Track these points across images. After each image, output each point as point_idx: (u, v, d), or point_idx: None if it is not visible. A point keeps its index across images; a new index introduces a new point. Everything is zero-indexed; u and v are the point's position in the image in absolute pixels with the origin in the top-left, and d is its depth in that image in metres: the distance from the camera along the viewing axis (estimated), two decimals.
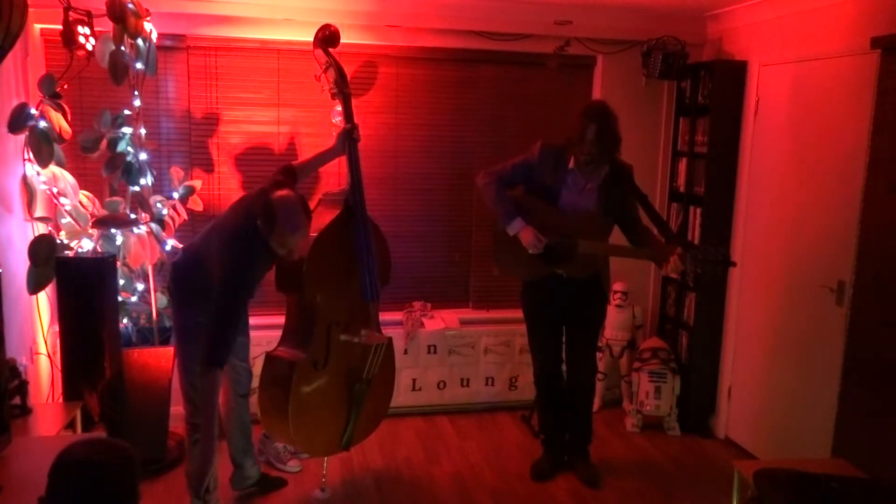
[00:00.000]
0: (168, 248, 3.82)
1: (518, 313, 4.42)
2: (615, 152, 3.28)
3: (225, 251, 2.84)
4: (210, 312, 2.77)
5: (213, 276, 2.84)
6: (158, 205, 3.77)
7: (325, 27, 3.41)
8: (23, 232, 3.54)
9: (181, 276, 3.08)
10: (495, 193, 3.42)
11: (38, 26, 3.75)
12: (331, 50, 3.44)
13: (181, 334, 3.10)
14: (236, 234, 2.87)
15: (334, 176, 4.23)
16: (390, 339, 3.48)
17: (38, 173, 3.46)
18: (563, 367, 3.78)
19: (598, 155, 3.22)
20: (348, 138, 3.31)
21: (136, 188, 3.61)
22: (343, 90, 3.38)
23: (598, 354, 4.10)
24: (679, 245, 3.21)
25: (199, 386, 2.89)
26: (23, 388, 3.01)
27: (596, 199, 3.37)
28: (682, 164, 4.46)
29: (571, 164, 3.35)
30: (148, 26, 3.58)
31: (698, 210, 4.29)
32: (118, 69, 3.44)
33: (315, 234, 3.15)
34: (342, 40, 3.98)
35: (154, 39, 3.69)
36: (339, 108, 3.93)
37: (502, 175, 3.45)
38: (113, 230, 3.57)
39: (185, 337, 3.07)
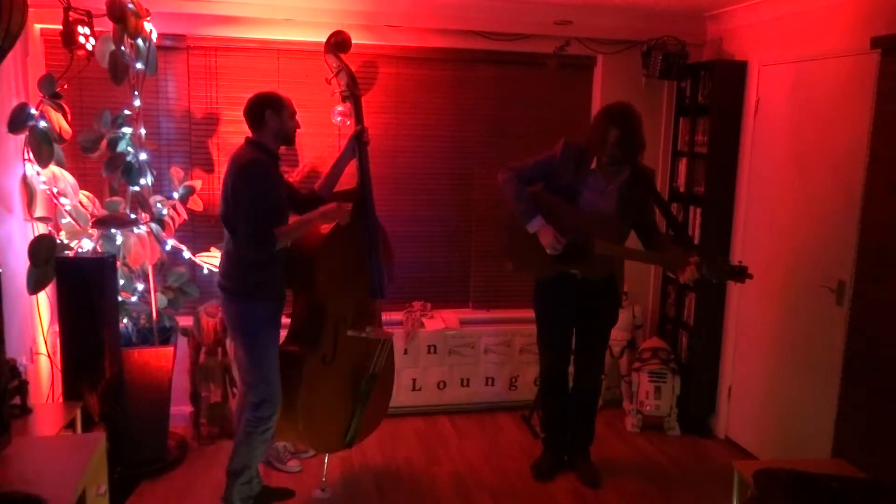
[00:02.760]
0: (168, 248, 3.82)
1: (518, 313, 4.44)
2: (638, 155, 3.26)
3: (242, 176, 2.96)
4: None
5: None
6: (158, 205, 3.77)
7: (338, 33, 3.50)
8: (23, 232, 3.54)
9: (237, 273, 3.08)
10: (515, 190, 3.40)
11: (38, 26, 3.75)
12: (342, 55, 3.50)
13: (251, 325, 3.09)
14: (248, 161, 2.98)
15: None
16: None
17: (38, 173, 3.46)
18: (569, 368, 3.77)
19: (621, 158, 3.20)
20: (358, 140, 3.34)
21: (136, 188, 3.61)
22: (354, 92, 3.43)
23: None
24: (696, 253, 3.18)
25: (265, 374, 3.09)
26: (23, 388, 3.00)
27: (615, 200, 3.35)
28: (682, 164, 4.46)
29: (593, 165, 3.33)
30: (148, 26, 3.58)
31: (698, 210, 4.29)
32: (118, 69, 3.44)
33: (325, 234, 3.20)
34: None
35: (154, 39, 3.69)
36: (340, 108, 3.96)
37: (523, 172, 3.43)
38: (113, 230, 3.57)
39: (252, 331, 3.09)
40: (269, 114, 3.03)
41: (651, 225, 3.44)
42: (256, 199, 2.94)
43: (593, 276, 3.42)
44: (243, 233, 2.96)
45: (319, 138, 4.20)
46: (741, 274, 3.08)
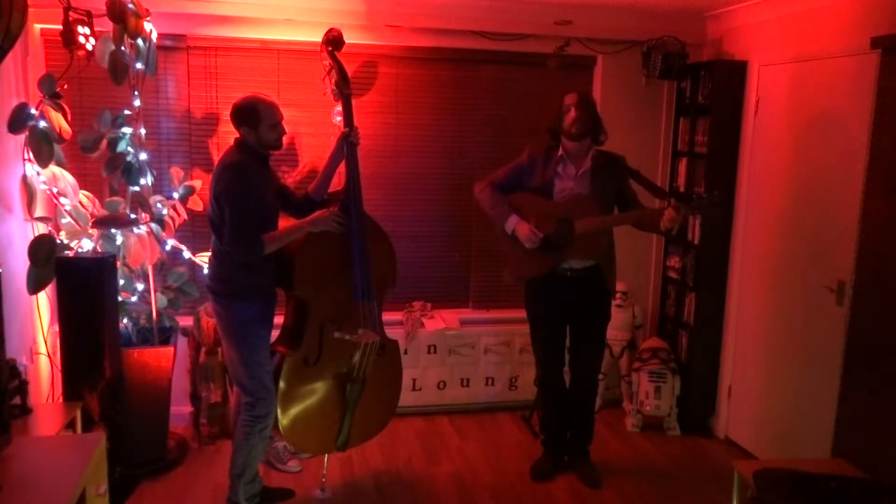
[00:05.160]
0: (168, 248, 3.82)
1: (518, 313, 4.41)
2: (593, 115, 3.40)
3: (225, 178, 2.95)
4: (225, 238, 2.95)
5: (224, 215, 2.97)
6: (158, 205, 3.77)
7: (330, 30, 3.48)
8: (23, 232, 3.54)
9: (224, 274, 3.07)
10: (489, 198, 3.55)
11: (38, 26, 3.75)
12: (336, 53, 3.48)
13: (241, 326, 3.08)
14: (231, 164, 2.98)
15: (340, 176, 4.23)
16: (390, 341, 3.47)
17: (38, 173, 3.46)
18: (566, 368, 3.77)
19: (583, 119, 3.34)
20: (345, 141, 3.32)
21: (136, 188, 3.61)
22: (343, 91, 3.40)
23: None
24: (672, 199, 3.26)
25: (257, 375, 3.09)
26: (23, 388, 3.01)
27: (589, 183, 3.43)
28: (682, 164, 4.46)
29: (560, 152, 3.45)
30: (148, 26, 3.58)
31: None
32: (118, 69, 3.44)
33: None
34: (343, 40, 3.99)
35: (154, 39, 3.69)
36: (340, 108, 3.95)
37: (496, 181, 3.58)
38: (113, 230, 3.57)
39: (244, 331, 3.08)
40: (244, 130, 3.01)
41: (632, 202, 3.50)
42: (239, 202, 2.91)
43: (585, 258, 3.44)
44: (229, 239, 2.94)
45: (319, 138, 4.20)
46: (720, 202, 3.18)
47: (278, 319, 3.34)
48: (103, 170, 3.57)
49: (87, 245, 3.58)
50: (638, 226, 3.51)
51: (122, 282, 3.65)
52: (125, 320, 3.70)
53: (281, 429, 3.23)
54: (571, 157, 3.45)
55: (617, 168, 3.46)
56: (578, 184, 3.44)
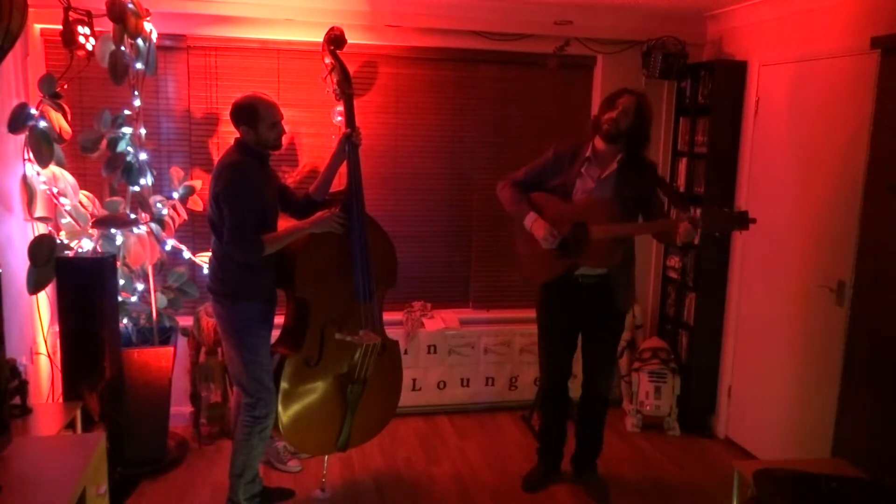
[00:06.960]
0: (168, 248, 3.82)
1: (518, 313, 4.44)
2: (640, 127, 3.24)
3: (224, 178, 2.94)
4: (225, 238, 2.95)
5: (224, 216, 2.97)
6: (158, 205, 3.77)
7: (332, 29, 3.46)
8: (23, 232, 3.54)
9: (224, 275, 3.07)
10: (510, 195, 3.46)
11: (38, 26, 3.75)
12: (338, 52, 3.46)
13: (241, 326, 3.08)
14: (230, 164, 2.98)
15: (341, 176, 4.23)
16: (390, 341, 3.47)
17: (38, 173, 3.46)
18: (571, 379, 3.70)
19: (620, 125, 3.20)
20: (347, 142, 3.32)
21: (136, 188, 3.61)
22: (345, 91, 3.39)
23: None
24: (689, 213, 3.06)
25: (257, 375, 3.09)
26: (23, 388, 3.01)
27: (611, 188, 3.29)
28: (682, 164, 4.46)
29: (588, 153, 3.32)
30: (148, 26, 3.58)
31: (698, 210, 4.28)
32: (118, 69, 3.44)
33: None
34: None
35: (154, 39, 3.69)
36: (340, 108, 3.95)
37: (517, 178, 3.49)
38: (113, 230, 3.57)
39: (244, 331, 3.08)
40: (243, 129, 3.01)
41: (657, 212, 3.36)
42: (239, 202, 2.91)
43: (597, 266, 3.33)
44: (229, 239, 2.94)
45: (320, 138, 4.20)
46: (742, 220, 2.99)
47: (279, 320, 3.34)
48: (103, 170, 3.57)
49: (87, 245, 3.58)
50: (657, 237, 3.41)
51: (122, 282, 3.65)
52: (125, 320, 3.71)
53: (281, 429, 3.23)
54: (599, 158, 3.31)
55: (645, 175, 3.31)
56: (600, 187, 3.31)
